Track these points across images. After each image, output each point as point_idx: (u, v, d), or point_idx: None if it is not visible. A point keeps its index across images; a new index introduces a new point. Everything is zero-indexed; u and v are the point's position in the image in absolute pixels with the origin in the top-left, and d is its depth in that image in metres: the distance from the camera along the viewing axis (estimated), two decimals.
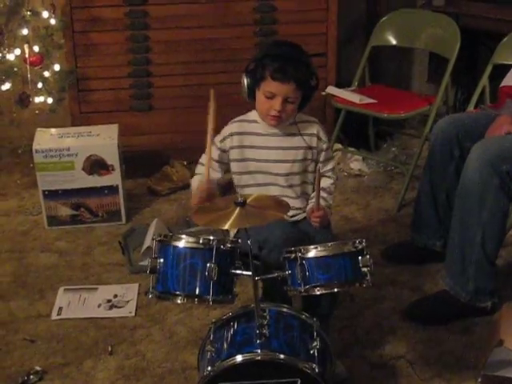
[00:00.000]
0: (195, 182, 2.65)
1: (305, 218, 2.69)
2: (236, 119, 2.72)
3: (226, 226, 2.14)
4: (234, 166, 2.71)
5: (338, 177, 2.75)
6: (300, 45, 2.62)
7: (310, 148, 2.67)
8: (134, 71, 4.07)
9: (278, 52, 2.57)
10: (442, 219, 3.22)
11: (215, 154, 2.67)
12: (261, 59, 2.57)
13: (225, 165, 2.72)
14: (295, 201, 2.68)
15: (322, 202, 2.60)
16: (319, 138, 2.70)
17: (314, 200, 2.59)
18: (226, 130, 2.69)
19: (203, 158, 2.68)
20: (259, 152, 2.66)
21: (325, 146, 2.71)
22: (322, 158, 2.71)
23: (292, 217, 2.68)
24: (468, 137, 3.02)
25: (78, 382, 2.69)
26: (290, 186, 2.68)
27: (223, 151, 2.69)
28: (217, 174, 2.68)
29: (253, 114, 2.70)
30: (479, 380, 2.61)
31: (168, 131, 4.19)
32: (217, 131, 2.59)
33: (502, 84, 3.17)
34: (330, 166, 2.76)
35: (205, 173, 2.54)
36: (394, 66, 4.85)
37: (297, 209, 2.70)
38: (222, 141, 2.68)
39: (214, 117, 2.46)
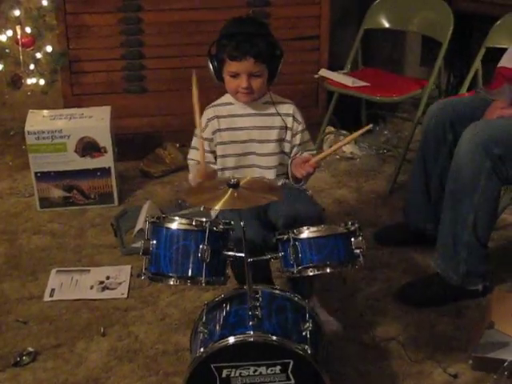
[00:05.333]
0: (193, 170, 2.64)
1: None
2: (209, 105, 2.71)
3: (218, 207, 2.16)
4: (218, 150, 2.70)
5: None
6: (257, 18, 2.59)
7: (286, 128, 2.67)
8: (126, 53, 4.05)
9: (233, 31, 2.57)
10: (434, 202, 3.21)
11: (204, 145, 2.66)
12: (218, 41, 2.58)
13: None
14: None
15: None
16: (295, 119, 2.69)
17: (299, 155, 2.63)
18: (203, 119, 2.67)
19: (192, 154, 2.69)
20: (238, 133, 2.66)
21: (300, 128, 2.70)
22: (298, 141, 2.70)
23: None
24: (461, 122, 3.01)
25: (71, 363, 2.69)
26: (269, 168, 2.68)
27: (208, 140, 2.68)
28: (214, 166, 2.68)
29: (226, 98, 2.70)
30: (470, 361, 2.63)
31: (161, 113, 4.17)
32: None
33: (500, 65, 3.14)
34: (311, 146, 2.76)
35: (200, 156, 2.54)
36: (386, 49, 4.84)
37: None
38: (202, 130, 2.66)
39: (198, 99, 2.46)
